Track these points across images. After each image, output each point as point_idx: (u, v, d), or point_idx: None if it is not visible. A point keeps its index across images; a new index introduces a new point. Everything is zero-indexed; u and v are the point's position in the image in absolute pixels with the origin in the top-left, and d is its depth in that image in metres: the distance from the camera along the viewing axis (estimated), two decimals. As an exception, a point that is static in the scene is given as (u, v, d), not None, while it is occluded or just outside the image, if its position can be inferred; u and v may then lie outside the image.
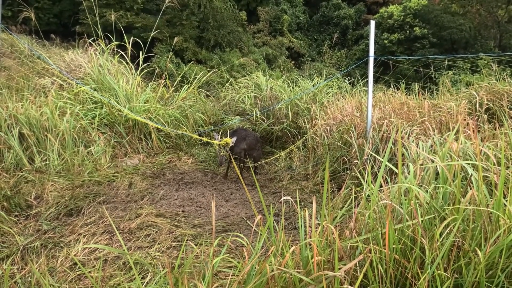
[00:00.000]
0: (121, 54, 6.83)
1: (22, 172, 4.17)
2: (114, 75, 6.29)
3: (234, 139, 4.86)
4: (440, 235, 1.90)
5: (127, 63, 6.73)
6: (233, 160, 4.37)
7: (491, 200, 2.14)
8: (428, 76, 9.24)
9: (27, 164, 4.36)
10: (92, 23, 7.12)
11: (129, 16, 11.94)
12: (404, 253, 1.96)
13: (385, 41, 17.00)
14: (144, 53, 6.84)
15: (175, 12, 12.24)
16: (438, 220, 2.08)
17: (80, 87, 5.77)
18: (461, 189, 2.23)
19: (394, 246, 1.92)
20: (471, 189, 2.15)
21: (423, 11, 16.89)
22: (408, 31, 16.75)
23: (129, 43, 6.71)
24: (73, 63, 6.73)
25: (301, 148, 5.68)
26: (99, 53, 6.61)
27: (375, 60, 4.62)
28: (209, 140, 5.12)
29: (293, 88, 7.51)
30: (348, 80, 8.00)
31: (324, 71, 9.62)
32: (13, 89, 5.45)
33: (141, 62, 6.83)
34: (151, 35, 7.85)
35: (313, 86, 7.37)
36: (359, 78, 7.54)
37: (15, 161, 4.32)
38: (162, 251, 2.97)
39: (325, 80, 7.72)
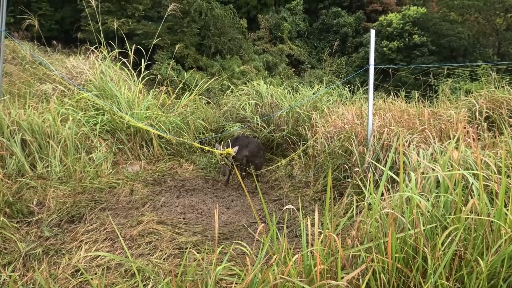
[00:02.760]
0: (123, 61, 6.87)
1: (24, 178, 4.17)
2: (115, 82, 6.32)
3: (236, 148, 4.86)
4: (442, 244, 1.91)
5: (128, 70, 6.76)
6: (235, 167, 4.38)
7: (492, 209, 2.15)
8: (427, 84, 9.30)
9: (29, 170, 4.37)
10: (94, 30, 7.17)
11: (130, 23, 12.03)
12: (407, 262, 1.97)
13: (385, 49, 17.14)
14: (145, 60, 6.88)
15: (176, 19, 12.34)
16: (440, 229, 2.09)
17: (82, 94, 5.79)
18: (462, 198, 2.25)
19: (396, 255, 1.93)
20: (472, 198, 2.17)
21: (422, 19, 17.06)
22: (407, 39, 16.89)
23: (130, 50, 6.75)
24: (74, 70, 6.75)
25: (301, 156, 5.69)
26: (101, 60, 6.65)
27: (375, 68, 4.66)
28: (211, 149, 5.13)
29: (293, 95, 7.54)
30: (348, 88, 8.03)
31: (324, 78, 9.70)
32: (15, 95, 5.47)
33: (142, 69, 6.86)
34: (153, 42, 7.90)
35: (313, 93, 7.40)
36: (359, 85, 7.57)
37: (17, 167, 4.33)
38: (164, 259, 2.98)
39: (325, 87, 7.76)
